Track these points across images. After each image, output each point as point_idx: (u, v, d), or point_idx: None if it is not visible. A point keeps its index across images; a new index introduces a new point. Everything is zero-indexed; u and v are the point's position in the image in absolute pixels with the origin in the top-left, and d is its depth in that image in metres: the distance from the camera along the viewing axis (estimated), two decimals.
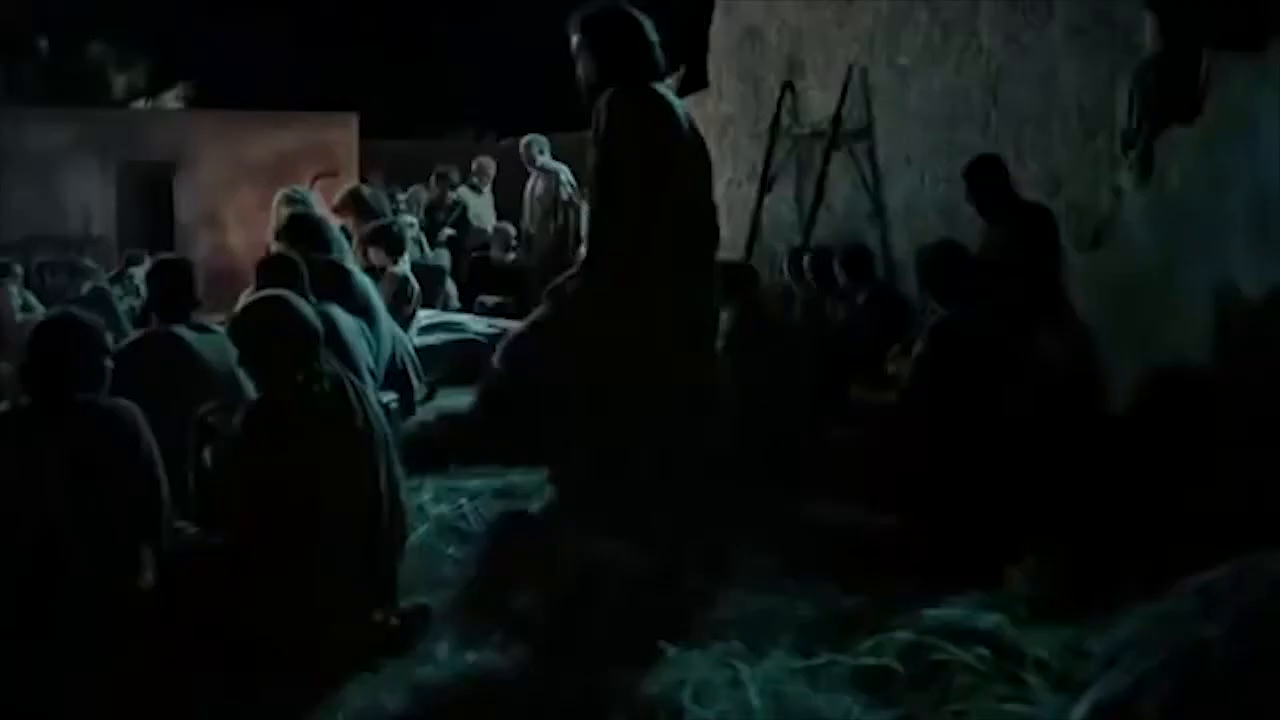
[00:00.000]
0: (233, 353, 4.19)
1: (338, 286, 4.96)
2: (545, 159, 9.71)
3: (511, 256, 9.24)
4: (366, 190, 7.36)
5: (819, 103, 8.61)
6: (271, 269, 4.60)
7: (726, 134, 10.10)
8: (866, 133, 7.94)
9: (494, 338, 6.44)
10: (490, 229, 9.83)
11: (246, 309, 3.42)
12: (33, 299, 8.91)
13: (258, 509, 3.26)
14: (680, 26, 11.77)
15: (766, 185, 9.00)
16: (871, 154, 7.92)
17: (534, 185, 9.77)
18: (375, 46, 20.94)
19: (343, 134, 16.40)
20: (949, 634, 2.74)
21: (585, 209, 9.89)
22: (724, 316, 5.54)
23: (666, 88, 4.01)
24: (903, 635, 2.76)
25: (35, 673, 3.09)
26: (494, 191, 10.76)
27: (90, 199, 15.46)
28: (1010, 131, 6.56)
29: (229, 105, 17.50)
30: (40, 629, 3.13)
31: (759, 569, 3.82)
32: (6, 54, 20.61)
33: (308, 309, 3.37)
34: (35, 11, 20.57)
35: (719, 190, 10.02)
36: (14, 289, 8.18)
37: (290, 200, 7.15)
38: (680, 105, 4.03)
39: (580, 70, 3.96)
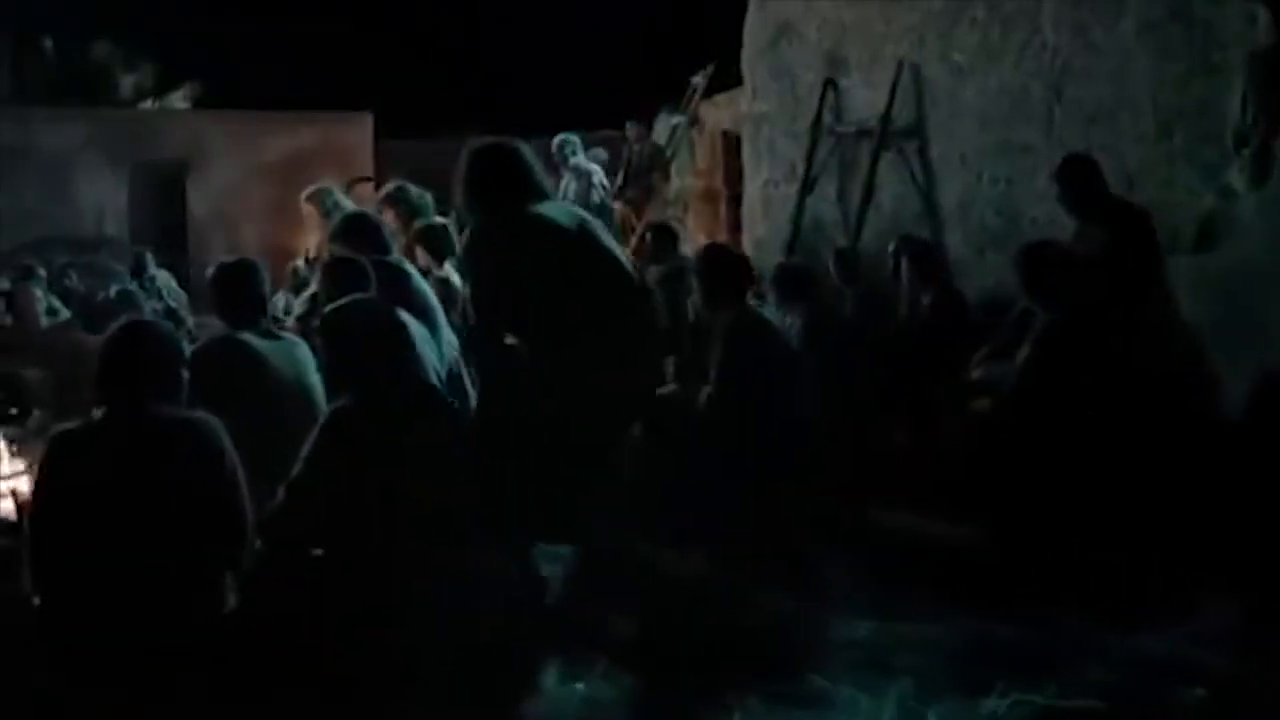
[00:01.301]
0: (307, 359, 4.03)
1: (399, 290, 4.73)
2: (578, 159, 9.51)
3: None
4: (412, 189, 7.11)
5: (863, 100, 8.41)
6: (339, 272, 4.37)
7: (761, 132, 9.90)
8: (917, 131, 7.74)
9: None
10: None
11: (340, 312, 3.20)
12: (56, 302, 8.70)
13: (341, 522, 3.06)
14: (713, 22, 11.64)
15: (808, 185, 8.80)
16: (923, 153, 7.72)
17: (565, 186, 9.55)
18: (379, 47, 20.71)
19: (358, 134, 16.23)
20: (1153, 671, 2.53)
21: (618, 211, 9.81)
22: (790, 320, 5.40)
23: (543, 206, 3.94)
24: (1098, 672, 2.55)
25: (110, 704, 2.90)
26: None
27: (102, 199, 15.29)
28: (1077, 130, 6.38)
29: (239, 105, 17.29)
30: (116, 656, 2.93)
31: (864, 589, 3.63)
32: (12, 54, 20.33)
33: (402, 315, 3.16)
34: (40, 11, 20.30)
35: (755, 190, 9.96)
36: (39, 292, 7.95)
37: (319, 197, 6.92)
38: (560, 216, 3.94)
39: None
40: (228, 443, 3.07)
